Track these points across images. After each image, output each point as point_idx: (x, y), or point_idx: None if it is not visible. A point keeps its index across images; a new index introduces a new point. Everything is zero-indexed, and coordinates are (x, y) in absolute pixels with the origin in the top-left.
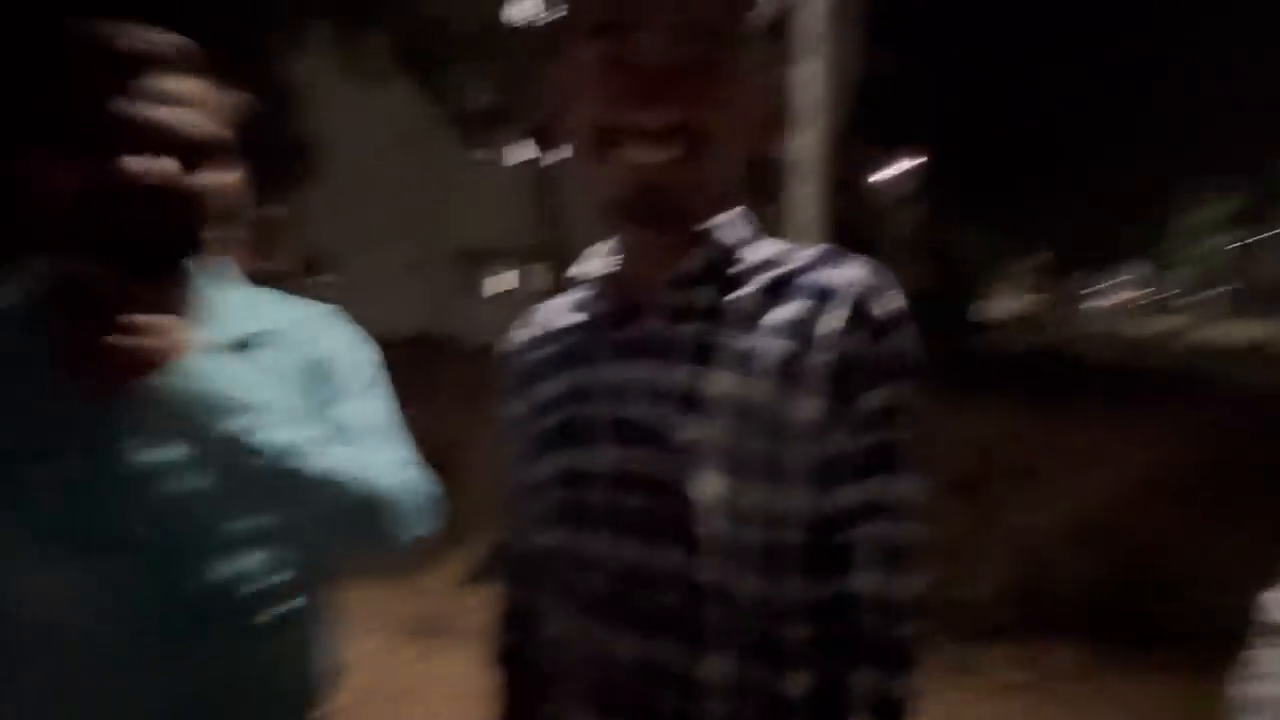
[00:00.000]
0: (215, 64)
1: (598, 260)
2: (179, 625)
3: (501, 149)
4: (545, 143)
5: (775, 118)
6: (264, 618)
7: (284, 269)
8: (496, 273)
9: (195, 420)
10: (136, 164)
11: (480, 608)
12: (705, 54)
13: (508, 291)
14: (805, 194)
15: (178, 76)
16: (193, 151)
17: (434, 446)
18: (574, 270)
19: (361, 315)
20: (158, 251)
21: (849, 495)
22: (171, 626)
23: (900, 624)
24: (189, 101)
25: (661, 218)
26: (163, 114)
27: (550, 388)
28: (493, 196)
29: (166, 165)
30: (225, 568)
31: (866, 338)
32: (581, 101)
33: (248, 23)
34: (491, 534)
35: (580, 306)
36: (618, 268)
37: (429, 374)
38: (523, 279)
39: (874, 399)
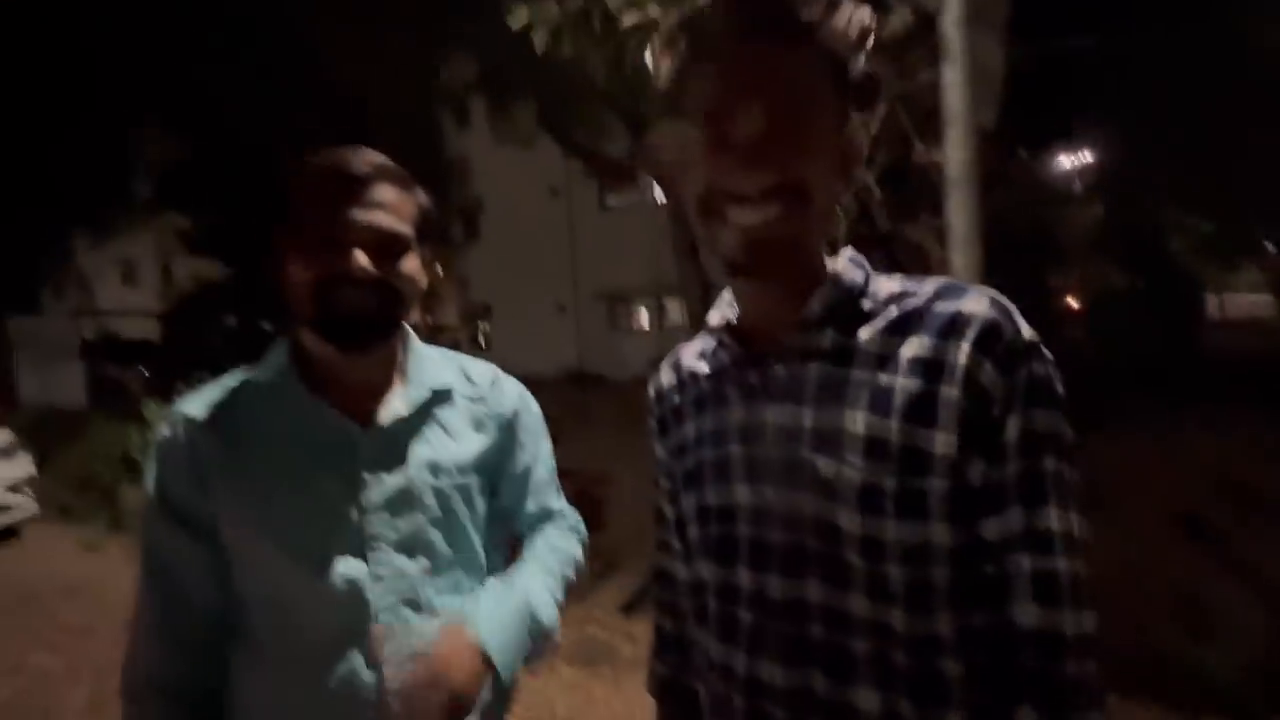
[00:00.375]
0: (406, 172)
1: (725, 308)
2: (403, 620)
3: (637, 195)
4: (672, 191)
5: (860, 154)
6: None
7: (449, 323)
8: (637, 310)
9: (409, 459)
10: (359, 260)
11: (639, 635)
12: (794, 121)
13: (648, 327)
14: (957, 202)
15: (382, 186)
16: (396, 247)
17: (590, 478)
18: (709, 317)
19: (517, 357)
20: (372, 328)
21: (996, 527)
22: (399, 620)
23: (1064, 661)
24: (391, 206)
25: (769, 269)
26: (373, 218)
27: (688, 430)
28: (631, 239)
29: (378, 261)
30: (439, 583)
31: (994, 369)
32: (693, 171)
33: (425, 111)
34: (647, 562)
35: (712, 352)
36: (741, 316)
37: (581, 409)
38: (662, 315)
39: (1012, 429)
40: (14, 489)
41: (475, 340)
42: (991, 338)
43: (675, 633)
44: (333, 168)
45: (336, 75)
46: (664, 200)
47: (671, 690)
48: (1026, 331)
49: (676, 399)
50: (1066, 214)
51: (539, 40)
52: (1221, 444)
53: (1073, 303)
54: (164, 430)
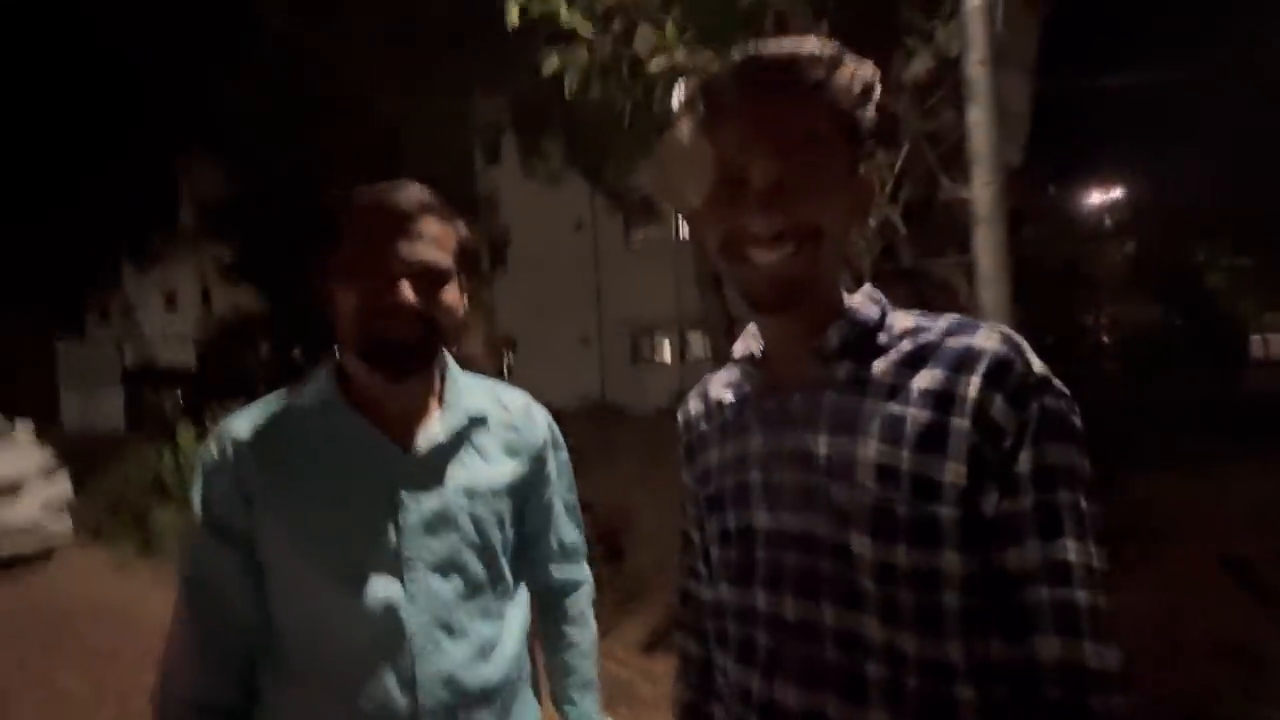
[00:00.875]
0: (448, 205)
1: (747, 340)
2: (435, 641)
3: (661, 230)
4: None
5: (872, 194)
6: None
7: (476, 352)
8: (660, 343)
9: (446, 482)
10: (404, 291)
11: (660, 675)
12: (804, 168)
13: (671, 360)
14: (984, 239)
15: (426, 220)
16: (438, 279)
17: (613, 510)
18: (734, 348)
19: (540, 389)
20: (414, 356)
21: (1014, 558)
22: (431, 641)
23: (1089, 694)
24: (434, 239)
25: (786, 304)
26: (418, 251)
27: (713, 456)
28: (654, 273)
29: (420, 292)
30: (471, 607)
31: (1004, 403)
32: (710, 214)
33: (459, 145)
34: (668, 598)
35: (737, 382)
36: (764, 348)
37: (603, 441)
38: (684, 347)
39: (1024, 462)
40: (51, 509)
41: (500, 371)
42: (1002, 372)
43: (699, 656)
44: (380, 202)
45: (375, 109)
46: (687, 236)
47: (694, 714)
48: (1038, 367)
49: (703, 426)
50: (1097, 250)
51: (569, 84)
52: (1267, 485)
53: (1105, 339)
54: (210, 448)
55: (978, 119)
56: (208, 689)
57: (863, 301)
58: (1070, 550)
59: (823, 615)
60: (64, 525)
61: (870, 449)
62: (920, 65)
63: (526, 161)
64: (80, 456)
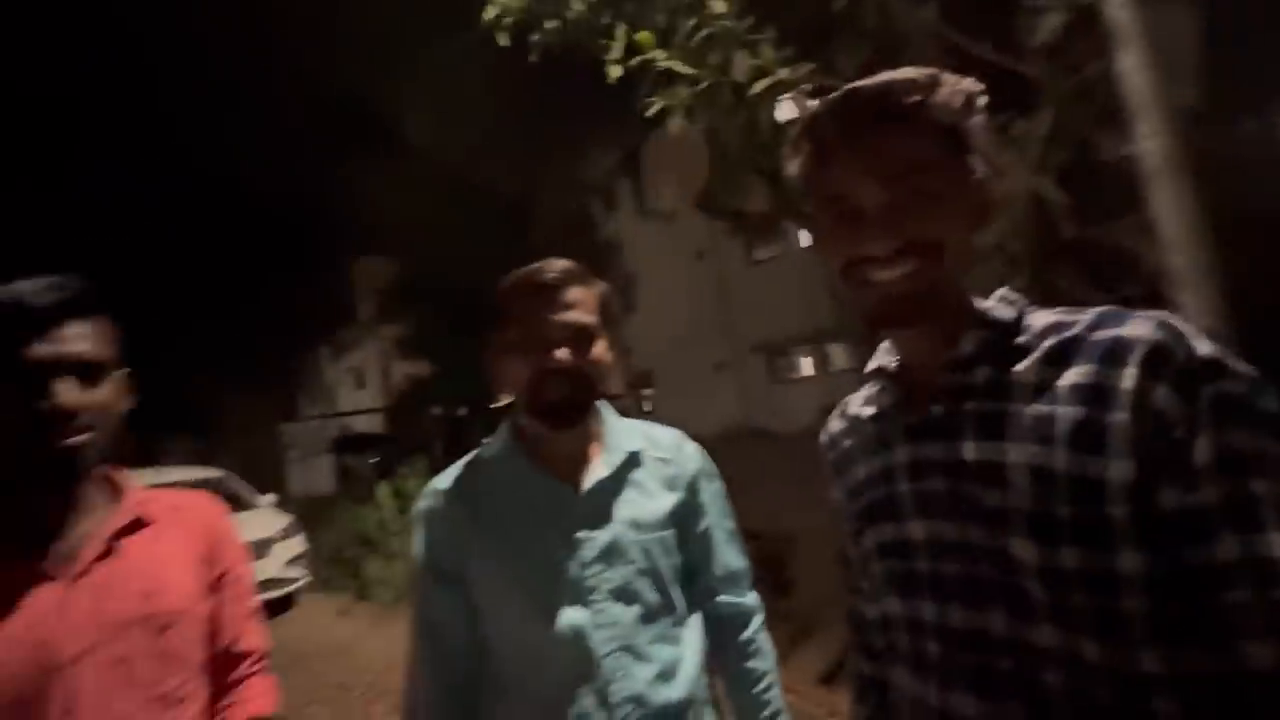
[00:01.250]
0: (586, 270)
1: (883, 355)
2: (623, 665)
3: (784, 245)
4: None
5: (994, 192)
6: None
7: (620, 393)
8: (798, 360)
9: (614, 516)
10: (561, 355)
11: (840, 707)
12: (913, 187)
13: (809, 377)
14: (1162, 195)
15: (572, 289)
16: (588, 338)
17: (776, 538)
18: (869, 365)
19: (680, 420)
20: (575, 408)
21: (1205, 556)
22: (619, 665)
23: None
24: (580, 304)
25: (910, 320)
26: (568, 317)
27: (860, 472)
28: (783, 289)
29: (575, 351)
30: (650, 632)
31: (1169, 392)
32: (827, 242)
33: (577, 201)
34: (838, 628)
35: (874, 398)
36: (897, 363)
37: (752, 465)
38: (825, 361)
39: (1202, 452)
40: (293, 564)
41: (640, 407)
42: (1160, 360)
43: (872, 675)
44: (532, 281)
45: (503, 190)
46: (813, 246)
47: None
48: (1203, 349)
49: (847, 443)
50: None
51: (674, 123)
52: None
53: None
54: (424, 502)
55: (1130, 65)
56: (440, 709)
57: (996, 304)
58: (1274, 545)
59: (992, 623)
60: (302, 577)
61: (1020, 452)
62: (1051, 23)
63: (641, 203)
64: (304, 517)
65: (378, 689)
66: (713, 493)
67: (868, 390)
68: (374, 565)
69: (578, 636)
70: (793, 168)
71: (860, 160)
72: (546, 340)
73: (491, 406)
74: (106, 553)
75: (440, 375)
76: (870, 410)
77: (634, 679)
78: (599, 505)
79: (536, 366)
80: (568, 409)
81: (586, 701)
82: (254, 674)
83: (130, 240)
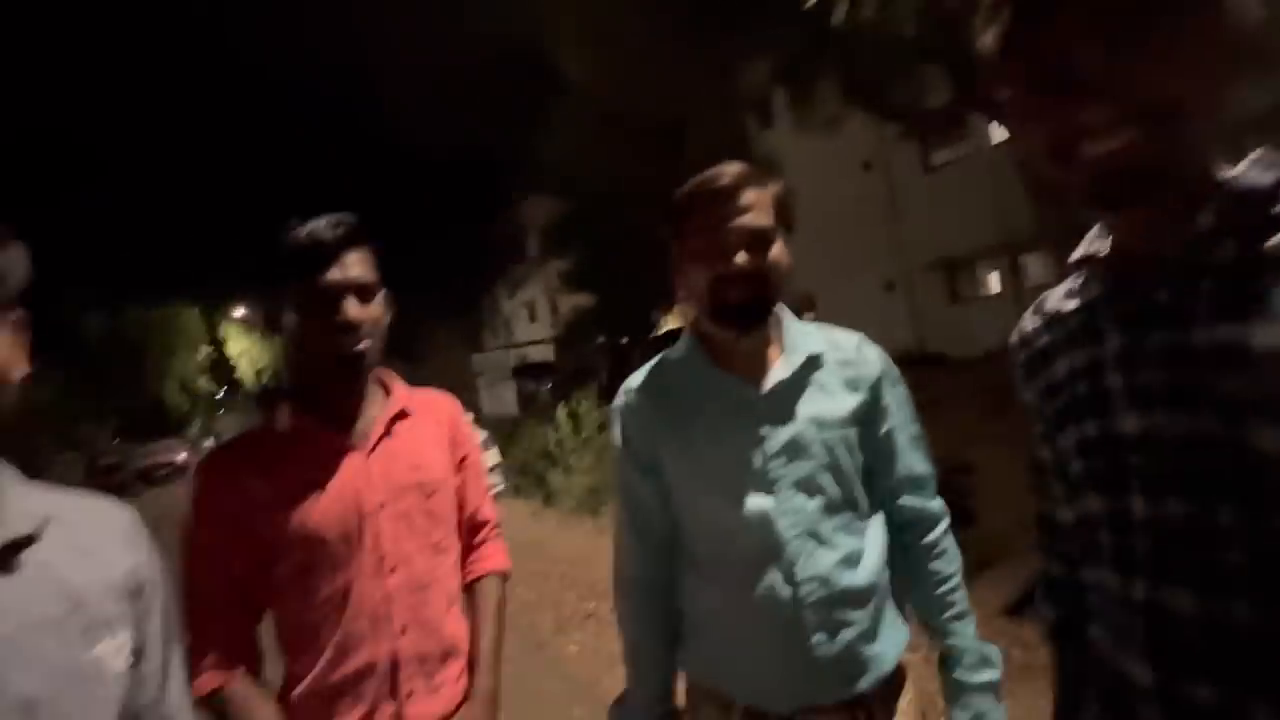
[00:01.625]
0: (760, 170)
1: (1091, 243)
2: (807, 549)
3: (968, 146)
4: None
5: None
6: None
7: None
8: (983, 276)
9: (796, 414)
10: (740, 259)
11: (1029, 639)
12: (1138, 37)
13: (994, 295)
14: None
15: (747, 191)
16: (765, 240)
17: (952, 469)
18: (1074, 255)
19: None
20: (755, 311)
21: None
22: (804, 548)
23: None
24: (756, 206)
25: (1134, 199)
26: (745, 221)
27: (1059, 368)
28: (966, 197)
29: (753, 255)
30: (833, 522)
31: None
32: (1031, 121)
33: (731, 117)
34: (1022, 558)
35: (1079, 290)
36: (1113, 247)
37: (929, 393)
38: (1016, 276)
39: None
40: (493, 470)
41: None
42: None
43: (1063, 575)
44: (707, 188)
45: (658, 115)
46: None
47: (1065, 632)
48: None
49: (1043, 340)
50: None
51: (839, 11)
52: None
53: None
54: (620, 399)
55: None
56: (643, 571)
57: (1251, 169)
58: None
59: (1219, 517)
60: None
61: (1268, 334)
62: None
63: (800, 115)
64: (495, 435)
65: (569, 579)
66: (896, 396)
67: (1070, 283)
68: (555, 477)
69: (764, 521)
70: (987, 40)
71: (1076, 7)
72: (725, 246)
73: (651, 336)
74: (386, 433)
75: (603, 306)
76: (1073, 303)
77: (818, 562)
78: (781, 403)
79: (717, 272)
80: (749, 313)
81: (773, 577)
82: (491, 539)
83: (336, 193)
